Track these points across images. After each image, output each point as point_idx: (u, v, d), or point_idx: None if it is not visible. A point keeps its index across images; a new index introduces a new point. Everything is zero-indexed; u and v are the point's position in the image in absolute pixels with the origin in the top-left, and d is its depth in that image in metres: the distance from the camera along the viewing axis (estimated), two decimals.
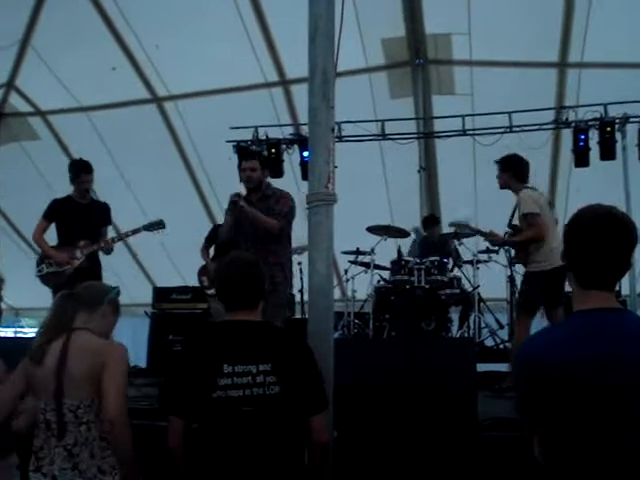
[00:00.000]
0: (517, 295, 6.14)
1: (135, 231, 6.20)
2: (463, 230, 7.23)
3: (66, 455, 2.70)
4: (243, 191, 5.51)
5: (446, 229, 8.56)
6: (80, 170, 6.10)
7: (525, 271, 5.89)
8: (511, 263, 7.56)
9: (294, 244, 5.65)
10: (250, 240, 5.29)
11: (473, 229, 6.77)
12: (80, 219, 6.05)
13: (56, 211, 6.13)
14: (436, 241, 8.20)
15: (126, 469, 2.79)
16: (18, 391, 2.92)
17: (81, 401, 2.73)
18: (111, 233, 6.51)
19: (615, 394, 1.87)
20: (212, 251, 6.87)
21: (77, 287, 3.12)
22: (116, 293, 3.15)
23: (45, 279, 6.00)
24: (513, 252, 6.59)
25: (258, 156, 6.02)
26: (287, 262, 5.44)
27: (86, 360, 2.77)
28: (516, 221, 5.93)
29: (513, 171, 5.85)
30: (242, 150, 8.69)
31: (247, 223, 5.29)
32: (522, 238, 5.72)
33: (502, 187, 5.98)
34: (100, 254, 6.20)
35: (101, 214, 6.28)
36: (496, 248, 7.44)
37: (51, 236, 6.21)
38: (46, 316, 3.00)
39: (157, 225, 6.26)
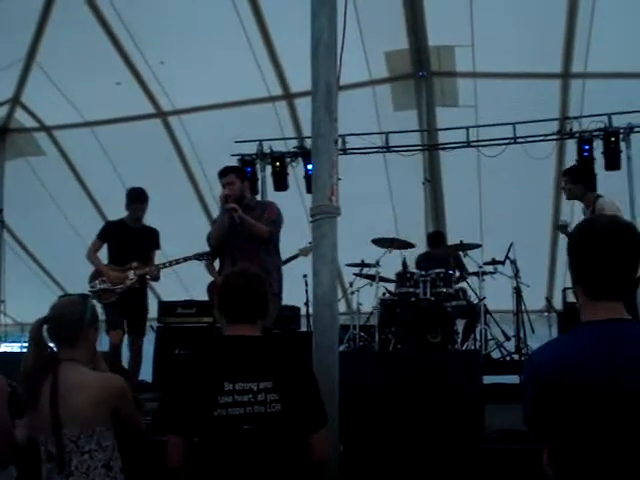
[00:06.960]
0: None
1: (186, 259, 6.37)
2: None
3: None
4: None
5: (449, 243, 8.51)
6: (133, 200, 6.41)
7: None
8: (517, 275, 7.53)
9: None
10: (239, 249, 5.38)
11: None
12: (132, 242, 6.36)
13: (109, 233, 6.47)
14: (440, 256, 8.12)
15: None
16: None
17: (82, 431, 2.68)
18: None
19: (628, 407, 1.84)
20: (217, 264, 6.83)
21: (52, 310, 2.88)
22: (91, 308, 2.94)
23: (97, 295, 6.18)
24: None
25: (235, 171, 5.95)
26: (276, 272, 5.50)
27: (83, 394, 2.70)
28: None
29: (586, 182, 6.03)
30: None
31: (239, 233, 5.37)
32: None
33: (571, 198, 6.16)
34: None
35: (151, 239, 6.57)
36: (501, 260, 7.43)
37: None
38: (25, 355, 2.85)
39: (207, 255, 6.20)
